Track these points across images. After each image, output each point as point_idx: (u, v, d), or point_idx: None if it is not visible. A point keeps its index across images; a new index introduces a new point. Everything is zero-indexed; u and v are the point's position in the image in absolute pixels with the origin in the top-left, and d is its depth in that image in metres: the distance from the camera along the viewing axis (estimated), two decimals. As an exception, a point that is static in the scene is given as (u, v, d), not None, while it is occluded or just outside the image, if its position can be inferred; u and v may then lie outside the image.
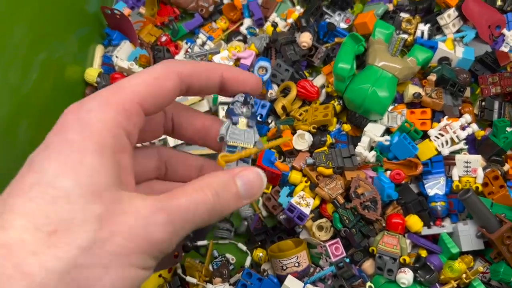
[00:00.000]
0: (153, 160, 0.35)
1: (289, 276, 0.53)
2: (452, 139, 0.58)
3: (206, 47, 0.71)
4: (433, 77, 0.60)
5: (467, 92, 0.63)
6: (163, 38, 0.70)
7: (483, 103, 0.61)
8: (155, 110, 0.28)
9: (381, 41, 0.61)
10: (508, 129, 0.58)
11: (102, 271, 0.23)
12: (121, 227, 0.24)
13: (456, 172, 0.58)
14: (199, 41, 0.71)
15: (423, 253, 0.56)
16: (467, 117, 0.58)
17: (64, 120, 0.25)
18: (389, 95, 0.58)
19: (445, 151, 0.57)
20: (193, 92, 0.31)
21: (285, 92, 0.65)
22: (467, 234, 0.55)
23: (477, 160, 0.57)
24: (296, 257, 0.54)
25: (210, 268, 0.57)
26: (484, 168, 0.58)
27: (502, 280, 0.54)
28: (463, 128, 0.58)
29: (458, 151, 0.58)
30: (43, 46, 0.57)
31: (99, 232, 0.23)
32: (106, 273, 0.23)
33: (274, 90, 0.65)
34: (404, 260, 0.54)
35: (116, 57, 0.66)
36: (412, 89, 0.60)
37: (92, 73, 0.66)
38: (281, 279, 0.54)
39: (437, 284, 0.54)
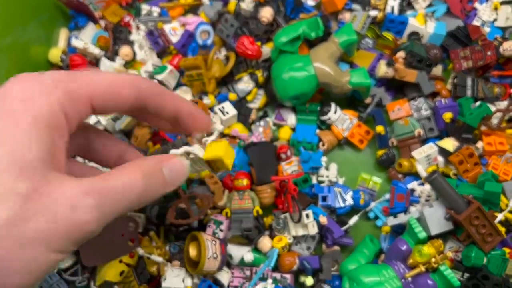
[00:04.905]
0: (80, 137, 0.34)
1: None
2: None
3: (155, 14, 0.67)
4: (402, 54, 0.57)
5: (438, 70, 0.60)
6: (127, 18, 0.68)
7: (455, 80, 0.58)
8: (103, 110, 0.29)
9: (336, 44, 0.58)
10: (473, 105, 0.55)
11: (18, 249, 0.22)
12: (46, 209, 0.23)
13: (421, 169, 0.57)
14: (154, 14, 0.68)
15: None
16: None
17: (10, 87, 0.25)
18: (300, 86, 0.56)
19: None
20: (147, 112, 0.32)
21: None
22: (434, 217, 0.52)
23: (431, 147, 0.56)
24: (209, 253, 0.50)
25: (167, 249, 0.55)
26: (457, 149, 0.55)
27: (474, 265, 0.51)
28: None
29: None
30: (7, 32, 0.57)
31: (22, 210, 0.22)
32: (22, 252, 0.22)
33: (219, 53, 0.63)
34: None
35: (76, 37, 0.64)
36: (383, 64, 0.58)
37: (55, 53, 0.64)
38: None
39: (404, 267, 0.52)
